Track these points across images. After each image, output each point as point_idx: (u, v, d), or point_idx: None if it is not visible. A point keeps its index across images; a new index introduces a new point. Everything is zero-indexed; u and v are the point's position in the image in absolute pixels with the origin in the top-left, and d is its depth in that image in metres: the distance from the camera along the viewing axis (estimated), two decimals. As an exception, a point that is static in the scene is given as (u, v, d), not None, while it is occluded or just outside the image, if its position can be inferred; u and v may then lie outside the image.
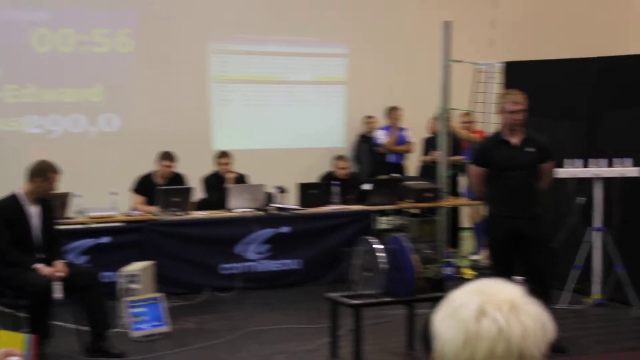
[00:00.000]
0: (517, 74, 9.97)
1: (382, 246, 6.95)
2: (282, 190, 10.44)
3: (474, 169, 7.31)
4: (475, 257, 11.47)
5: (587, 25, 14.89)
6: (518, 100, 7.02)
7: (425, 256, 10.98)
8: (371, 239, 7.09)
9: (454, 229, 12.35)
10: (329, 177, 11.07)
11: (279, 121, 13.50)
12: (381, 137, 12.92)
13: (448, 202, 11.18)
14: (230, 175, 10.57)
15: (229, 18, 13.08)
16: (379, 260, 6.89)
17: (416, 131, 12.59)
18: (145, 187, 10.02)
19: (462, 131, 11.58)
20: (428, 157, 12.14)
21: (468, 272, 10.50)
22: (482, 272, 10.29)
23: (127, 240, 9.35)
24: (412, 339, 7.29)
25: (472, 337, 1.57)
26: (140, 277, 8.19)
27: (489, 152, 7.17)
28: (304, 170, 12.32)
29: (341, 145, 13.58)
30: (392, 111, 13.00)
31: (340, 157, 11.27)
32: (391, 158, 12.93)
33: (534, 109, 9.51)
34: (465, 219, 12.47)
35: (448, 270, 10.43)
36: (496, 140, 7.22)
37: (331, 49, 13.80)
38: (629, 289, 8.69)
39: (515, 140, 7.12)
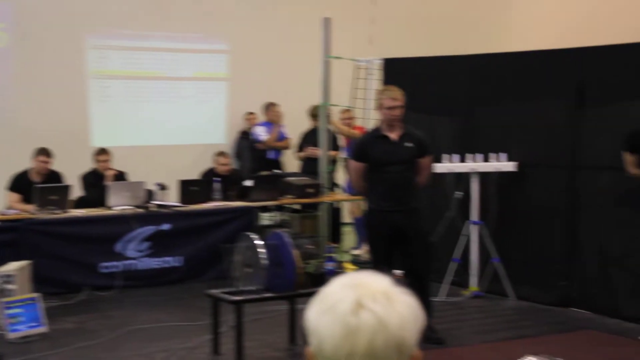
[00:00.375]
0: (395, 71, 10.11)
1: (262, 242, 6.95)
2: (162, 187, 10.35)
3: (353, 164, 7.38)
4: (356, 252, 11.58)
5: (466, 23, 15.19)
6: (396, 96, 7.11)
7: (306, 251, 11.06)
8: (252, 235, 7.09)
9: (336, 224, 12.45)
10: (210, 174, 11.01)
11: (159, 117, 13.35)
12: (261, 133, 12.91)
13: (329, 197, 11.26)
14: (110, 173, 10.41)
15: (108, 13, 12.87)
16: (259, 256, 6.89)
17: (297, 127, 12.61)
18: (21, 185, 9.79)
19: (343, 127, 11.68)
20: (303, 154, 12.21)
21: (349, 267, 10.60)
22: (362, 266, 10.38)
23: (2, 239, 9.10)
24: (294, 334, 7.32)
25: (351, 330, 1.57)
26: (16, 278, 8.00)
27: (367, 147, 7.24)
28: (185, 167, 12.20)
29: (222, 142, 13.52)
30: (270, 107, 13.01)
31: (220, 153, 11.22)
32: (270, 154, 12.95)
33: (412, 105, 9.67)
34: (347, 214, 12.57)
35: (330, 265, 10.50)
36: (375, 136, 7.29)
37: (212, 45, 13.73)
38: (505, 281, 8.90)
39: (393, 135, 7.21)
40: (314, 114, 12.16)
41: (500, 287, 8.99)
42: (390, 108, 7.11)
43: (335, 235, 12.56)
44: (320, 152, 11.11)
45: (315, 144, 12.10)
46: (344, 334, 1.58)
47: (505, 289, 8.96)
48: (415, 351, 1.64)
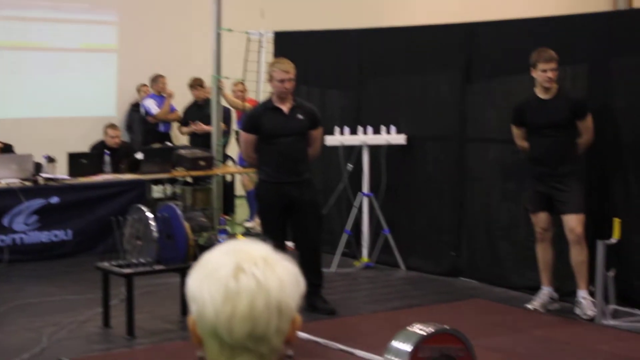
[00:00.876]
0: (287, 44, 10.12)
1: (153, 215, 6.91)
2: (50, 160, 10.16)
3: (244, 136, 7.37)
4: (248, 224, 11.58)
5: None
6: (286, 68, 7.12)
7: (199, 224, 11.05)
8: (142, 208, 7.03)
9: (229, 197, 12.44)
10: (100, 147, 10.86)
11: (46, 90, 13.08)
12: (151, 106, 12.75)
13: (221, 170, 11.23)
14: (-5, 145, 10.18)
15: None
16: (150, 228, 6.85)
17: (189, 100, 12.50)
18: None
19: (235, 100, 11.65)
20: (186, 129, 12.16)
21: (242, 239, 10.57)
22: (255, 238, 10.40)
23: None
24: (185, 306, 7.29)
25: (232, 294, 1.60)
26: None
27: (258, 119, 7.24)
28: (75, 140, 12.00)
29: (112, 114, 13.32)
30: (157, 79, 12.85)
31: (110, 126, 11.06)
32: (161, 127, 12.83)
33: (304, 78, 9.71)
34: (240, 187, 12.57)
35: (222, 238, 10.49)
36: (266, 108, 7.30)
37: (100, 16, 13.49)
38: (395, 252, 9.04)
39: (284, 107, 7.22)
40: (192, 85, 12.10)
41: (391, 258, 9.12)
42: (281, 80, 7.12)
43: (229, 208, 12.55)
44: (204, 127, 11.05)
45: (198, 118, 12.06)
46: (224, 297, 1.60)
47: (396, 260, 9.10)
48: (295, 315, 1.67)
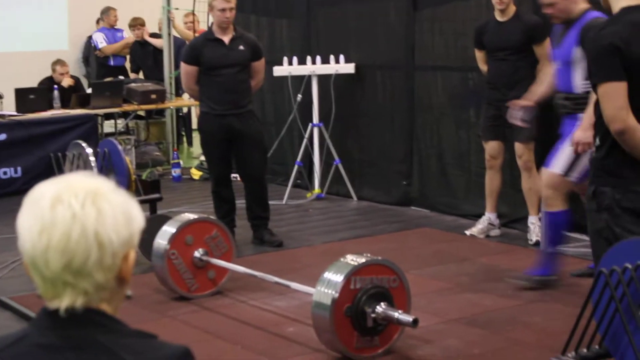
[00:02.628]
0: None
1: (91, 150, 6.80)
2: (-3, 96, 9.99)
3: (184, 68, 7.23)
4: (203, 158, 11.47)
5: None
6: (227, -2, 6.96)
7: (153, 158, 10.96)
8: (81, 143, 6.93)
9: (187, 130, 12.36)
10: (48, 82, 10.68)
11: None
12: (99, 40, 12.54)
13: (174, 103, 11.10)
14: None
15: None
16: (90, 164, 6.75)
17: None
18: None
19: (186, 31, 11.47)
20: (134, 75, 12.03)
21: (195, 173, 10.51)
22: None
23: None
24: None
25: (47, 224, 1.54)
26: None
27: (199, 50, 7.11)
28: (27, 75, 11.78)
29: (65, 48, 13.09)
30: (108, 11, 12.64)
31: (57, 62, 10.88)
32: (111, 61, 12.63)
33: (253, 8, 9.56)
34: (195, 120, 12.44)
35: (176, 172, 10.42)
36: (206, 39, 7.16)
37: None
38: (347, 182, 8.99)
39: (225, 38, 7.09)
40: (132, 24, 11.90)
41: (343, 189, 9.08)
42: (222, 10, 6.98)
43: (188, 141, 12.48)
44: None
45: (144, 56, 11.89)
46: (40, 229, 1.55)
47: (348, 190, 9.05)
48: (127, 251, 1.60)
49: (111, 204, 1.59)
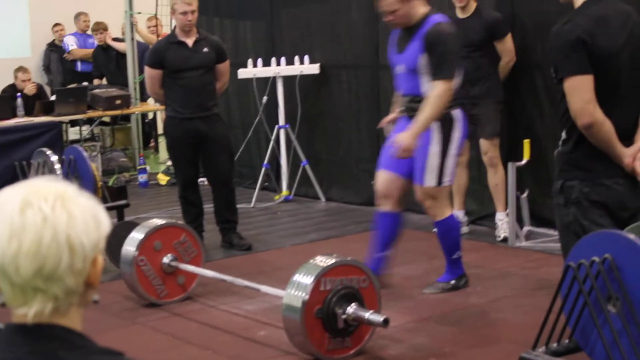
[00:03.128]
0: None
1: (56, 157, 6.74)
2: (-40, 105, 9.87)
3: (149, 72, 7.19)
4: (170, 163, 11.41)
5: None
6: (188, 1, 6.92)
7: (119, 164, 10.89)
8: (46, 151, 6.86)
9: (152, 135, 12.28)
10: (11, 90, 10.58)
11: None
12: (69, 42, 12.51)
13: (139, 108, 11.03)
14: None
15: None
16: (55, 172, 6.68)
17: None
18: None
19: (149, 35, 11.41)
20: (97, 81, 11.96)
21: (163, 178, 10.45)
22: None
23: None
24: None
25: (17, 229, 1.52)
26: None
27: (162, 53, 7.07)
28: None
29: (27, 55, 12.98)
30: (80, 17, 12.61)
31: (19, 69, 10.79)
32: (79, 67, 12.56)
33: (216, 11, 9.52)
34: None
35: (142, 178, 10.36)
36: (170, 42, 7.13)
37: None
38: (314, 184, 8.98)
39: (189, 41, 7.06)
40: (95, 29, 11.84)
41: (311, 190, 9.07)
42: (183, 13, 6.94)
43: (155, 147, 12.40)
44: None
45: (106, 61, 11.83)
46: (9, 234, 1.52)
47: (316, 192, 9.04)
48: (95, 255, 1.59)
49: (80, 207, 1.57)
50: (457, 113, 5.61)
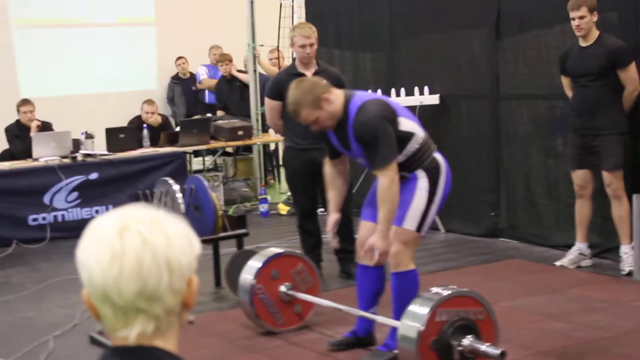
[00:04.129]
0: (318, 8, 10.02)
1: (178, 186, 6.87)
2: (89, 136, 10.20)
3: (269, 103, 7.29)
4: (290, 193, 11.53)
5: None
6: (307, 33, 7.00)
7: (241, 194, 11.04)
8: (168, 180, 7.00)
9: (274, 166, 12.42)
10: (137, 122, 10.88)
11: (85, 66, 13.15)
12: (202, 73, 12.83)
13: (260, 139, 11.18)
14: (33, 124, 10.24)
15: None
16: (177, 201, 6.81)
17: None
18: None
19: (271, 67, 11.58)
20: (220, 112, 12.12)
21: (283, 208, 10.55)
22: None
23: None
24: (219, 278, 7.28)
25: (117, 253, 1.56)
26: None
27: (283, 85, 7.11)
28: (117, 115, 12.06)
29: (154, 88, 13.35)
30: (213, 49, 12.94)
31: (146, 101, 11.08)
32: (210, 98, 12.82)
33: (336, 42, 9.60)
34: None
35: (263, 208, 10.47)
36: (289, 74, 7.19)
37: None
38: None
39: (308, 72, 7.12)
40: (220, 60, 12.03)
41: (430, 221, 8.99)
42: (302, 46, 7.02)
43: (277, 177, 12.53)
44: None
45: (230, 92, 12.01)
46: (110, 258, 1.56)
47: (435, 223, 8.97)
48: (192, 277, 1.64)
49: (175, 229, 1.62)
50: (440, 159, 5.36)
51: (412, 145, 5.22)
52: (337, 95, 5.20)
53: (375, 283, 5.47)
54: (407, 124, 5.27)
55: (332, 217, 5.52)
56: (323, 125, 5.24)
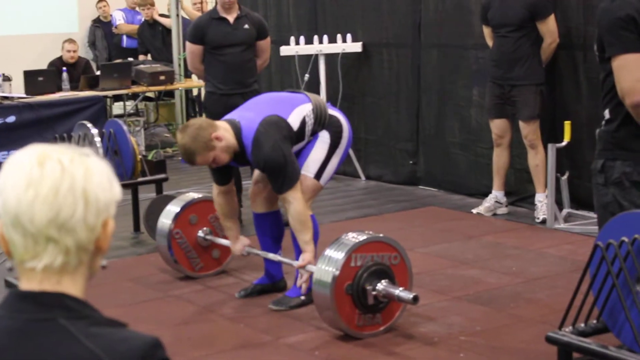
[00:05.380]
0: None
1: (97, 130, 6.81)
2: (6, 78, 9.99)
3: (190, 47, 7.22)
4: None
5: None
6: (229, -23, 6.93)
7: (163, 140, 10.97)
8: (86, 124, 6.93)
9: (195, 112, 12.31)
10: (58, 63, 10.69)
11: (4, 7, 12.82)
12: (119, 18, 12.58)
13: (183, 84, 11.09)
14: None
15: None
16: (95, 145, 6.75)
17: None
18: None
19: (195, 12, 11.44)
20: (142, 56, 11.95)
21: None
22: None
23: None
24: (138, 222, 7.24)
25: (35, 179, 1.54)
26: None
27: (204, 29, 7.08)
28: (36, 57, 11.82)
29: (75, 31, 13.09)
30: None
31: (67, 40, 10.90)
32: (125, 42, 12.63)
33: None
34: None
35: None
36: (211, 18, 7.14)
37: None
38: (354, 162, 8.98)
39: (230, 17, 7.07)
40: (141, 4, 11.84)
41: (350, 168, 9.06)
42: (223, -11, 6.95)
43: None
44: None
45: (152, 37, 11.85)
46: (27, 183, 1.54)
47: (356, 170, 9.04)
48: (107, 217, 1.61)
49: (97, 165, 1.60)
50: (338, 116, 5.39)
51: (309, 125, 5.21)
52: (225, 129, 5.05)
53: (273, 228, 5.53)
54: (296, 114, 5.18)
55: (240, 244, 5.53)
56: (221, 162, 5.09)
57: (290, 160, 5.00)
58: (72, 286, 1.60)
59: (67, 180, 1.55)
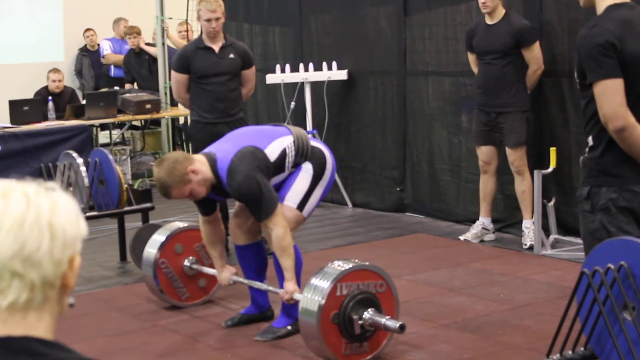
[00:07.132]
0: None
1: (82, 160, 6.78)
2: (-9, 108, 9.98)
3: (175, 76, 7.20)
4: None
5: None
6: (212, 7, 6.91)
7: (148, 168, 10.93)
8: (72, 154, 6.90)
9: (182, 140, 12.30)
10: (43, 93, 10.68)
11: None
12: (106, 48, 12.59)
13: (169, 113, 11.08)
14: None
15: None
16: (80, 174, 6.72)
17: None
18: None
19: (180, 41, 11.46)
20: (129, 85, 11.92)
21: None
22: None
23: None
24: (124, 252, 7.21)
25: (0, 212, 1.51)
26: None
27: (189, 58, 7.08)
28: (22, 87, 11.80)
29: (61, 60, 13.09)
30: (119, 22, 12.72)
31: (53, 70, 10.88)
32: (112, 72, 12.63)
33: (245, 16, 9.56)
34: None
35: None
36: (197, 47, 7.13)
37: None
38: (341, 189, 8.97)
39: (215, 46, 7.07)
40: (128, 33, 11.84)
41: (337, 196, 9.05)
42: (207, 20, 6.94)
43: (186, 151, 12.39)
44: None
45: (138, 66, 11.84)
46: None
47: (343, 197, 9.03)
48: (73, 254, 1.57)
49: (63, 199, 1.57)
50: (321, 147, 5.36)
51: (290, 156, 5.19)
52: (201, 162, 5.04)
53: (256, 259, 5.51)
54: (275, 145, 5.15)
55: (226, 272, 5.51)
56: (198, 195, 5.09)
57: (266, 187, 4.97)
58: (39, 324, 1.55)
59: (32, 212, 1.51)
